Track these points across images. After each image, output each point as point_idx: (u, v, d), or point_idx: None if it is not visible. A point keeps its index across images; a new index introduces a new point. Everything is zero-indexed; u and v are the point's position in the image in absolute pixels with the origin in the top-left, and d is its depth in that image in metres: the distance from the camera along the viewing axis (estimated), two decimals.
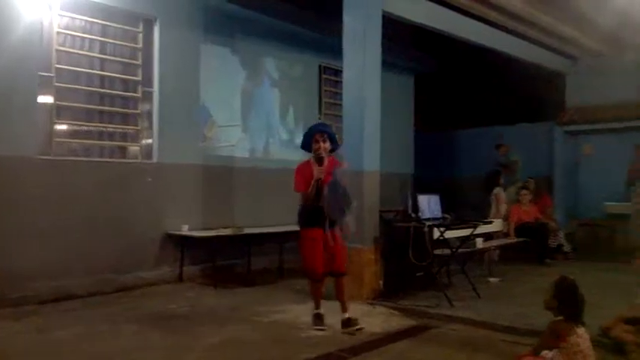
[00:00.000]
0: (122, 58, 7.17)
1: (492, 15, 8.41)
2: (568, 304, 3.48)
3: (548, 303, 3.56)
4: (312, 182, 5.01)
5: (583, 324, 3.50)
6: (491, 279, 7.56)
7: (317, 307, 5.31)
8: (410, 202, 6.94)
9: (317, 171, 5.03)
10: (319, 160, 5.08)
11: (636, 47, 9.71)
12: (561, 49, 10.44)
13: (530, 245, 9.03)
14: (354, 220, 5.14)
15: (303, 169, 5.19)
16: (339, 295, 5.24)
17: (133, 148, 7.36)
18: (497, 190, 9.36)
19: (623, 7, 7.60)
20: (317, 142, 5.13)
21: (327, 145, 5.15)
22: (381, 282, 6.50)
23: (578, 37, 9.69)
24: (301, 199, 5.16)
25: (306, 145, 5.26)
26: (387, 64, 7.38)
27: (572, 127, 11.08)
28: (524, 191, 9.57)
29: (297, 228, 7.69)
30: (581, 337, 3.45)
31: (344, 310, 5.21)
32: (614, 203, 10.18)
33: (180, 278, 7.38)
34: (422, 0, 7.58)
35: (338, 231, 5.16)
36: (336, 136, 5.42)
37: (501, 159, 10.82)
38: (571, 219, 10.90)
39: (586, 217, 10.84)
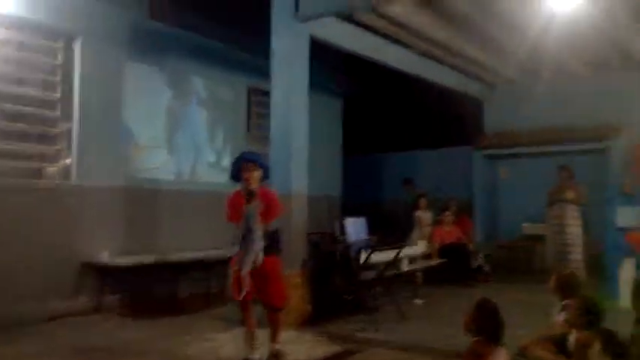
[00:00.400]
0: (40, 74, 6.86)
1: (412, 41, 8.68)
2: (488, 326, 3.55)
3: (468, 325, 3.62)
4: (242, 220, 4.67)
5: (503, 344, 3.59)
6: (416, 301, 7.68)
7: (249, 349, 4.89)
8: (337, 225, 6.99)
9: (247, 208, 4.68)
10: (249, 193, 4.77)
11: (548, 75, 10.29)
12: (478, 75, 10.91)
13: (452, 267, 9.28)
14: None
15: (234, 200, 4.91)
16: (270, 325, 5.01)
17: (51, 170, 7.00)
18: (418, 213, 9.65)
19: (534, 36, 8.05)
20: (246, 171, 4.82)
21: (258, 174, 4.86)
22: (309, 306, 6.46)
23: (493, 65, 10.16)
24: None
25: (234, 175, 4.97)
26: (315, 87, 7.43)
27: (491, 152, 11.54)
28: (446, 213, 9.87)
29: (223, 253, 7.58)
30: (501, 356, 3.53)
31: (273, 339, 5.00)
32: (530, 224, 10.63)
33: (98, 309, 7.02)
34: (346, 25, 7.71)
35: (275, 260, 4.90)
36: (267, 163, 5.16)
37: (407, 197, 10.92)
38: (490, 240, 11.29)
39: (505, 238, 11.26)
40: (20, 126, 6.66)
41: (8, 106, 6.56)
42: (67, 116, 7.09)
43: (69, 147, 7.10)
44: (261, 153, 5.62)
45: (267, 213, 4.80)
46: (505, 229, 11.39)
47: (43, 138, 6.92)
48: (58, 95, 7.01)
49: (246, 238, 4.63)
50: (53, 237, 6.72)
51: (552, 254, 9.14)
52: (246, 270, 4.60)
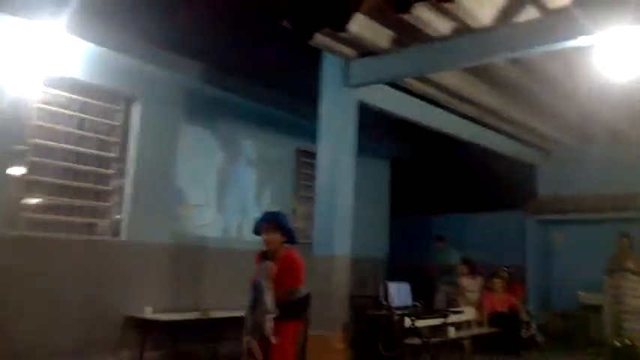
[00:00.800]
0: (99, 134, 7.21)
1: (463, 107, 8.70)
2: None
3: None
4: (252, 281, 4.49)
5: None
6: None
7: None
8: (381, 289, 6.90)
9: (258, 269, 4.56)
10: (265, 255, 4.62)
11: (603, 140, 10.07)
12: (532, 141, 10.75)
13: (503, 335, 8.96)
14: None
15: (255, 259, 4.77)
16: None
17: (102, 225, 7.25)
18: (461, 279, 9.45)
19: (586, 102, 7.95)
20: (263, 232, 4.68)
21: (276, 236, 4.64)
22: None
23: (547, 131, 10.02)
24: None
25: (255, 232, 4.81)
26: (363, 150, 7.51)
27: (544, 217, 11.22)
28: (496, 280, 9.57)
29: None
30: None
31: None
32: (586, 293, 10.17)
33: None
34: (396, 91, 7.82)
35: (288, 326, 4.53)
36: (291, 225, 4.85)
37: (439, 255, 10.68)
38: (544, 309, 10.85)
39: (560, 307, 10.80)
40: (77, 182, 6.97)
41: (66, 163, 6.90)
42: (121, 174, 7.38)
43: (121, 204, 7.35)
44: (286, 214, 5.24)
45: (283, 279, 4.54)
46: (559, 297, 10.96)
47: (97, 194, 7.21)
48: (114, 154, 7.33)
49: (253, 303, 4.45)
50: (100, 292, 6.86)
51: (610, 325, 8.73)
52: (253, 341, 4.36)
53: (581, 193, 10.69)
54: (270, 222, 4.72)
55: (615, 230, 8.98)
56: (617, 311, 8.54)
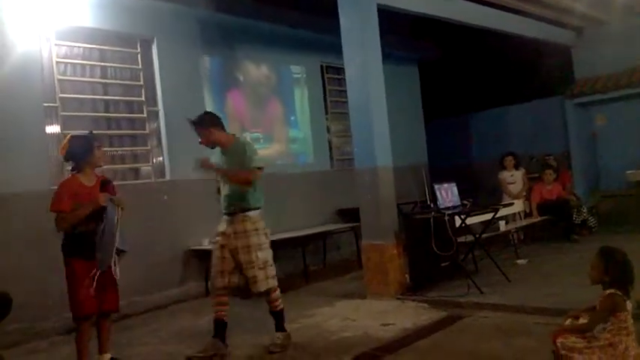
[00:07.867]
0: (123, 80, 7.19)
1: None
2: (622, 274, 3.22)
3: (597, 276, 3.34)
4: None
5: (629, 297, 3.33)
6: (519, 261, 7.44)
7: None
8: (428, 192, 6.87)
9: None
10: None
11: (635, 10, 9.53)
12: (564, 21, 10.25)
13: (555, 223, 8.92)
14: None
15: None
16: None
17: (145, 169, 7.35)
18: (499, 173, 9.34)
19: None
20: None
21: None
22: (407, 276, 6.43)
23: (578, 8, 9.51)
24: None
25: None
26: (388, 57, 7.29)
27: (583, 99, 10.87)
28: (547, 171, 9.39)
29: (318, 230, 7.55)
30: (628, 311, 3.29)
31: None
32: (635, 170, 9.96)
33: (207, 292, 7.32)
34: None
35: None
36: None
37: None
38: (593, 192, 10.71)
39: (609, 188, 10.64)
40: (112, 131, 7.06)
41: (99, 114, 6.95)
42: (154, 117, 7.40)
43: (159, 145, 7.42)
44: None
45: None
46: (607, 179, 10.77)
47: (135, 140, 7.29)
48: (143, 98, 7.32)
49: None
50: (157, 231, 7.04)
51: None
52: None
53: (618, 69, 10.28)
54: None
55: None
56: None
